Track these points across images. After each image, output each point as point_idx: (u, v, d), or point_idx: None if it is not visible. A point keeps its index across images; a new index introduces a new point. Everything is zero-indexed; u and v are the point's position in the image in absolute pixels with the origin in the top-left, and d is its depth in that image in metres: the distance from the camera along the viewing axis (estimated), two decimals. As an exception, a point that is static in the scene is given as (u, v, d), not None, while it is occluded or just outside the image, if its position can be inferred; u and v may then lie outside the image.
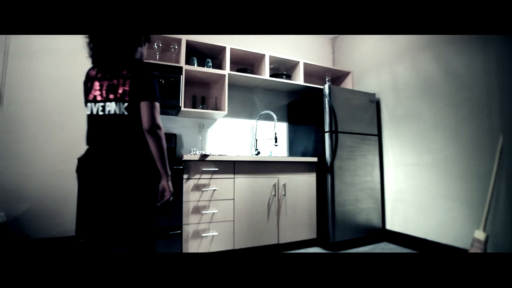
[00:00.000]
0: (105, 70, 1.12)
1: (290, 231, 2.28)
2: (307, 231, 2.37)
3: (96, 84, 1.12)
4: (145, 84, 1.08)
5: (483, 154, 1.85)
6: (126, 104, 1.07)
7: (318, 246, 2.42)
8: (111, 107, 1.08)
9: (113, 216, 1.11)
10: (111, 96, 1.08)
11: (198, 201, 1.98)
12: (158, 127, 1.08)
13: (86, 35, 1.14)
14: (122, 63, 1.12)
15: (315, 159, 2.43)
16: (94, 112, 1.10)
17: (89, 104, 1.13)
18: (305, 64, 2.86)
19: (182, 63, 2.29)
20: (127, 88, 1.08)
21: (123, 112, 1.07)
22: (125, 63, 1.12)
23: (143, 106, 1.06)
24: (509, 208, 1.66)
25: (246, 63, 2.86)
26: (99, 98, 1.10)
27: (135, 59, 1.16)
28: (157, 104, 1.09)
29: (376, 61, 2.81)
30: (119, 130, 1.08)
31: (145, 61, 1.33)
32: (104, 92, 1.10)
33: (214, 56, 2.65)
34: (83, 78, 1.18)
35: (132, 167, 1.07)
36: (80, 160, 1.14)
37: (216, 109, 2.56)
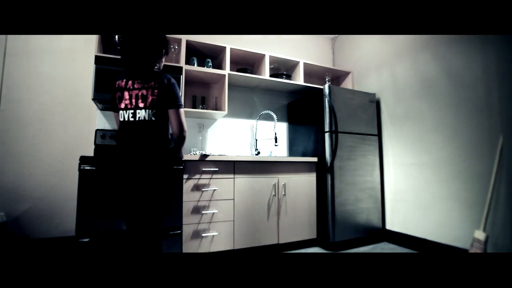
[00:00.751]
0: (133, 81, 1.29)
1: (290, 231, 2.28)
2: (307, 231, 2.37)
3: (126, 94, 1.29)
4: (170, 94, 1.26)
5: (483, 154, 1.85)
6: (154, 111, 1.25)
7: (318, 246, 2.42)
8: (141, 114, 1.25)
9: (133, 204, 1.26)
10: (141, 105, 1.26)
11: (198, 201, 1.98)
12: (184, 131, 1.30)
13: (119, 50, 1.33)
14: (149, 75, 1.29)
15: (315, 159, 2.43)
16: (126, 119, 1.28)
17: (121, 111, 1.31)
18: (305, 64, 2.86)
19: (182, 63, 2.29)
20: (155, 98, 1.25)
21: (151, 118, 1.25)
22: (151, 75, 1.29)
23: (171, 114, 1.27)
24: (509, 208, 1.66)
25: (246, 63, 2.86)
26: (129, 106, 1.28)
27: (158, 71, 1.33)
28: (182, 110, 1.29)
29: (376, 61, 2.81)
30: (148, 133, 1.26)
31: None
32: (133, 100, 1.27)
33: (214, 56, 2.65)
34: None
35: (156, 163, 1.25)
36: (110, 155, 1.39)
37: (216, 109, 2.56)
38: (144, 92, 1.26)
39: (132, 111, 1.26)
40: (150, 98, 1.25)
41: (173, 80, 1.30)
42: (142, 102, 1.25)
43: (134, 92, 1.27)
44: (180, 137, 1.30)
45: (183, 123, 1.28)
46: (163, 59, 1.41)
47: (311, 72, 3.11)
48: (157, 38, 1.32)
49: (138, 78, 1.29)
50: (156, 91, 1.25)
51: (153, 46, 1.30)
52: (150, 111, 1.25)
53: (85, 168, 1.70)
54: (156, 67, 1.33)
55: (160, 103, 1.25)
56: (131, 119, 1.26)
